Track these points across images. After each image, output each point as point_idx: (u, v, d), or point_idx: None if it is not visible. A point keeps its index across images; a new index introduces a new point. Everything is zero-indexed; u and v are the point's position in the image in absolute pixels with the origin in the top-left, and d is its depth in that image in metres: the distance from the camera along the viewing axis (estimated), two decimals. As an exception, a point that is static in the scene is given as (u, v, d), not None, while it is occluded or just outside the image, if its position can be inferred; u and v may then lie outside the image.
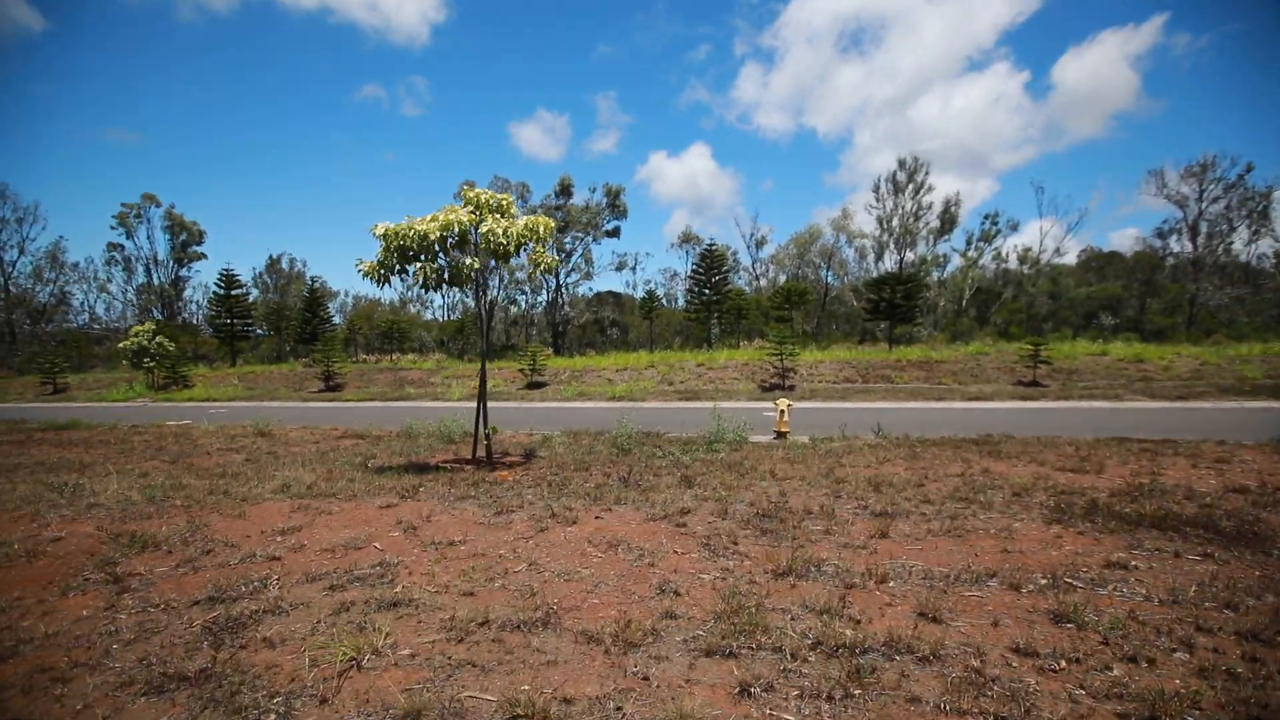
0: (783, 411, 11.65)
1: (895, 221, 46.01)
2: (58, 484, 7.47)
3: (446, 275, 7.48)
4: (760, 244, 51.32)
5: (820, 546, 4.62)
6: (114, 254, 56.35)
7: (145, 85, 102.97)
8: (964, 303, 43.29)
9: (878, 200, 47.20)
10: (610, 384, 25.53)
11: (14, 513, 6.08)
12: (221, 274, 38.71)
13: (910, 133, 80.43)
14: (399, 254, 7.20)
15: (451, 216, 7.18)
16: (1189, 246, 46.40)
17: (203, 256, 57.27)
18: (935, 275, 47.07)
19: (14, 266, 52.85)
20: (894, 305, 29.05)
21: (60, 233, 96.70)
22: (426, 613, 3.65)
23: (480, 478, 7.47)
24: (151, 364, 32.91)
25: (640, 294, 44.15)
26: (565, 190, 47.04)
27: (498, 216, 7.55)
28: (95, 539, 5.17)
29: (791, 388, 22.49)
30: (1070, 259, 48.57)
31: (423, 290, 7.31)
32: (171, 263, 57.71)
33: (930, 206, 45.78)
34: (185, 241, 56.18)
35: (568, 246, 49.67)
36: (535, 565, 4.37)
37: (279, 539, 5.12)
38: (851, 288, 44.80)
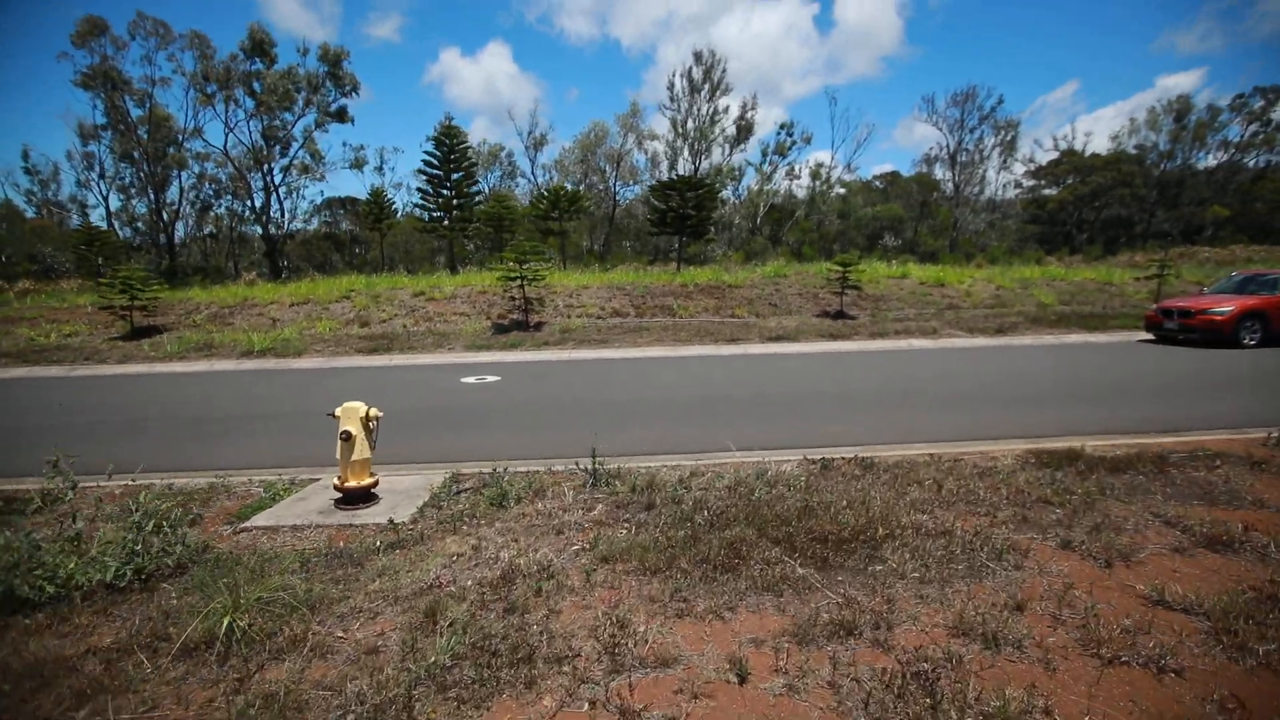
0: (349, 434, 4.36)
1: (690, 125, 40.51)
2: None
3: None
4: (539, 145, 42.49)
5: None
6: None
7: None
8: (759, 220, 39.97)
9: (672, 100, 41.15)
10: (272, 326, 16.33)
11: None
12: None
13: (712, 52, 75.09)
14: None
15: None
16: (949, 174, 48.34)
17: None
18: (730, 192, 43.17)
19: None
20: (683, 216, 23.28)
21: None
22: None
23: None
24: None
25: (392, 199, 33.04)
26: (258, 48, 33.07)
27: None
28: None
29: (539, 326, 15.56)
30: (858, 175, 48.03)
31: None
32: None
33: (727, 110, 40.98)
34: None
35: (279, 133, 36.18)
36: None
37: None
38: (643, 199, 38.91)
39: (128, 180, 40.44)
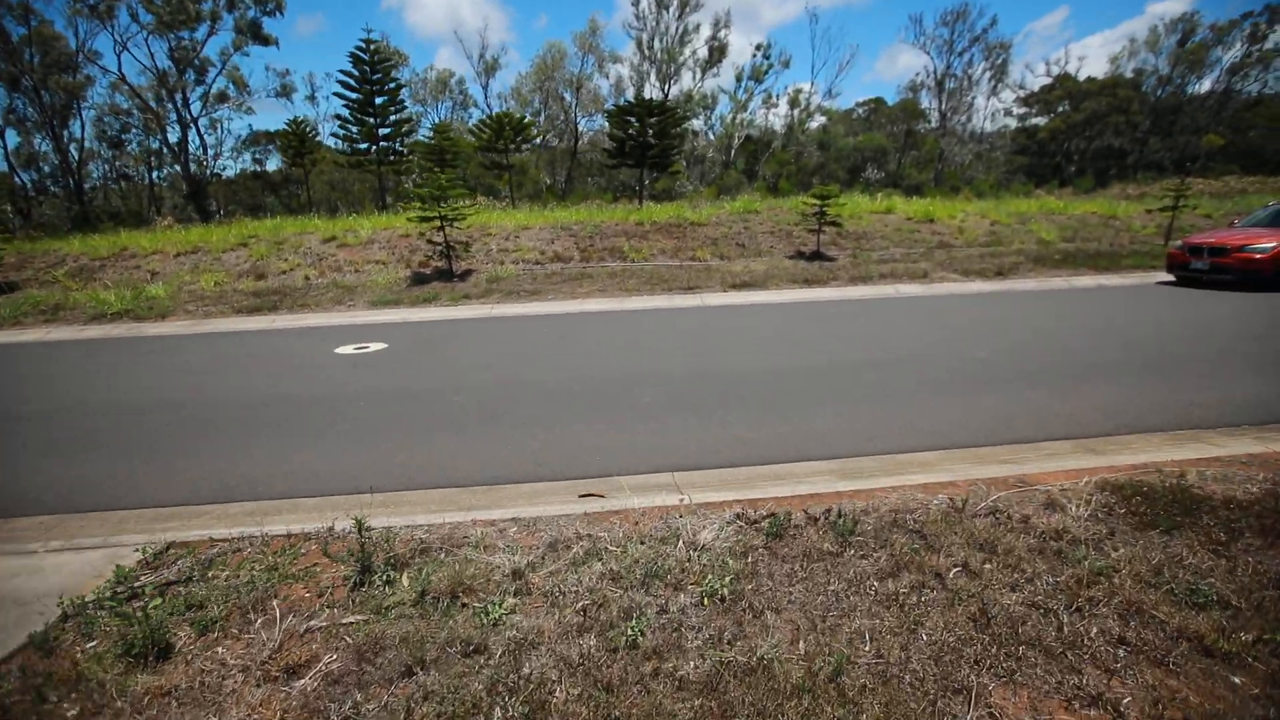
0: None
1: (657, 45, 36.72)
2: None
3: None
4: (491, 70, 38.26)
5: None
6: None
7: None
8: (733, 153, 36.93)
9: (638, 17, 37.16)
10: (149, 281, 13.70)
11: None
12: None
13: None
14: None
15: None
16: (935, 103, 45.29)
17: None
18: (702, 123, 39.78)
19: None
20: (644, 145, 20.54)
21: None
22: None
23: None
24: None
25: (315, 131, 29.26)
26: (153, -52, 28.36)
27: None
28: None
29: (465, 274, 13.17)
30: (838, 103, 44.76)
31: None
32: None
33: (698, 29, 37.19)
34: None
35: (190, 56, 31.68)
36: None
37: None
38: (606, 131, 35.60)
39: (23, 113, 35.82)
